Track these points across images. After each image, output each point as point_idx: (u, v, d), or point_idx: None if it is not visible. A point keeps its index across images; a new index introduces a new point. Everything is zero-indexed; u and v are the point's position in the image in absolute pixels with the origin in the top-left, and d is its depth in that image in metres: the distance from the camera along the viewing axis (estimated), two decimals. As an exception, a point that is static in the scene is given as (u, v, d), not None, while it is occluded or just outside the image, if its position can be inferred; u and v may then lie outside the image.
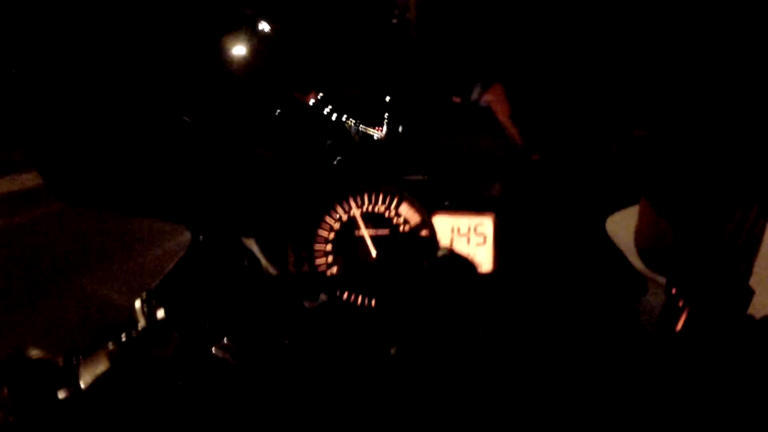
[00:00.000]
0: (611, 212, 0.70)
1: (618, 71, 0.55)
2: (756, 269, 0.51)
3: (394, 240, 0.72)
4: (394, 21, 0.64)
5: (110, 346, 0.50)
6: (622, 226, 0.66)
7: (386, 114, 0.85)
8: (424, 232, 0.73)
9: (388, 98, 0.81)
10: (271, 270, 0.71)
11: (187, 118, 0.62)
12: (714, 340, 0.53)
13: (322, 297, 0.66)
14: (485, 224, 0.74)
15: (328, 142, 0.85)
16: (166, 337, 0.56)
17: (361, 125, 0.95)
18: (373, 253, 0.72)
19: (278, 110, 0.76)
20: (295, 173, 0.74)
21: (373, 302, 0.71)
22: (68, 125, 0.54)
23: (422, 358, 0.66)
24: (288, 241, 0.71)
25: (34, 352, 0.45)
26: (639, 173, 0.57)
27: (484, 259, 0.74)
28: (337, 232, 0.72)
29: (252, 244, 0.71)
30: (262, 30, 0.67)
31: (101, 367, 0.49)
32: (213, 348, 0.54)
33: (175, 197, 0.66)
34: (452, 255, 0.73)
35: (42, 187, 0.54)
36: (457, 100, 0.69)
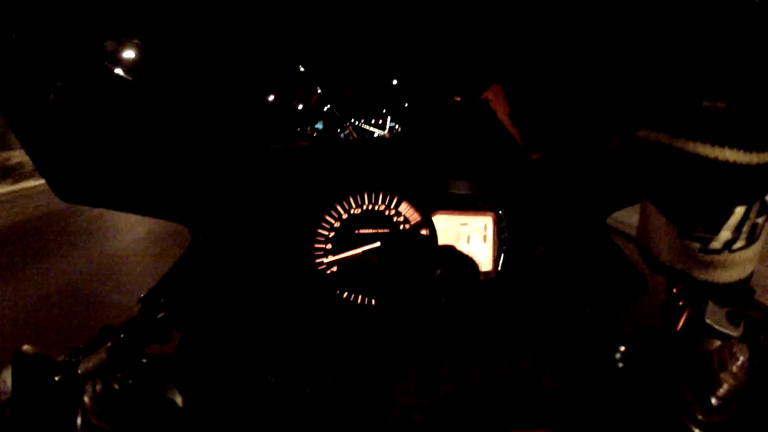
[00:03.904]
0: (611, 212, 0.70)
1: (618, 71, 0.54)
2: (757, 268, 0.51)
3: (394, 239, 0.72)
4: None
5: (110, 345, 0.50)
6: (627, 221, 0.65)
7: (388, 113, 0.85)
8: (424, 231, 0.73)
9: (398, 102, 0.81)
10: (272, 269, 0.71)
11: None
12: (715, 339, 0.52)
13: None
14: (485, 223, 0.74)
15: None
16: (166, 336, 0.56)
17: (362, 124, 0.95)
18: (373, 252, 0.72)
19: (277, 112, 0.76)
20: (295, 172, 0.74)
21: (373, 302, 0.71)
22: (69, 125, 0.54)
23: (422, 356, 0.66)
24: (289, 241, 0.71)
25: (35, 352, 0.45)
26: (639, 173, 0.57)
27: (483, 258, 0.74)
28: (337, 231, 0.72)
29: (252, 243, 0.71)
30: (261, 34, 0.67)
31: (101, 366, 0.49)
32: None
33: (175, 197, 0.66)
34: (453, 254, 0.73)
35: (43, 188, 0.54)
36: (457, 99, 0.69)
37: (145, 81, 0.62)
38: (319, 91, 0.76)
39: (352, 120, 0.93)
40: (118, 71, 0.58)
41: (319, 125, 0.93)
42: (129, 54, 0.58)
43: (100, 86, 0.58)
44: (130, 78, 0.60)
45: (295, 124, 0.82)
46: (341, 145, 0.95)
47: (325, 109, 0.85)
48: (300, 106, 0.79)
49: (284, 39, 0.66)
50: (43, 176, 0.55)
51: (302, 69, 0.70)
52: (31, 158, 0.55)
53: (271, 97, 0.72)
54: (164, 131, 0.65)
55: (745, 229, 0.50)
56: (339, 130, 0.93)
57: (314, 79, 0.72)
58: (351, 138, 0.96)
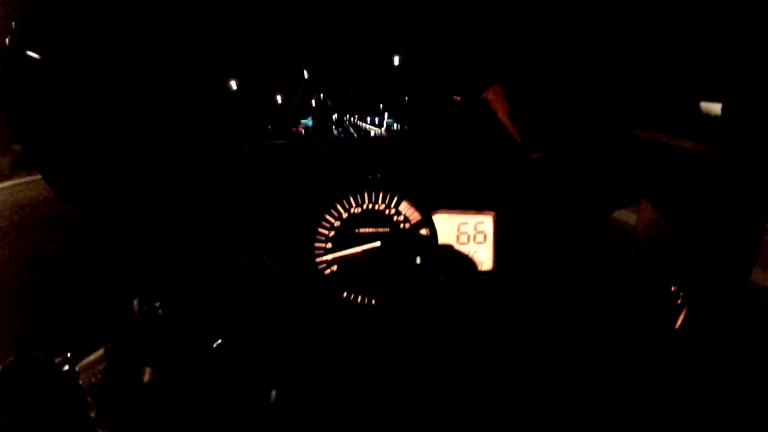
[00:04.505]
0: (611, 212, 0.71)
1: (618, 71, 0.55)
2: (756, 267, 0.52)
3: (394, 238, 0.72)
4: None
5: (110, 346, 0.49)
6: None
7: (386, 113, 0.85)
8: (424, 231, 0.73)
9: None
10: (272, 270, 0.71)
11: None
12: (713, 337, 0.53)
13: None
14: (485, 223, 0.74)
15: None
16: (166, 337, 0.55)
17: (357, 120, 0.94)
18: (374, 251, 0.72)
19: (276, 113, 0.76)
20: (295, 171, 0.73)
21: (373, 301, 0.71)
22: (70, 127, 0.53)
23: (422, 356, 0.66)
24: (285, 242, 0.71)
25: (35, 353, 0.44)
26: (639, 173, 0.58)
27: (484, 257, 0.75)
28: (337, 230, 0.71)
29: (252, 244, 0.71)
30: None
31: (101, 367, 0.48)
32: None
33: (175, 198, 0.65)
34: (452, 253, 0.73)
35: (43, 188, 0.53)
36: (457, 99, 0.70)
37: (140, 79, 0.61)
38: (306, 75, 0.74)
39: (349, 117, 0.92)
40: (120, 73, 0.57)
41: (309, 122, 0.91)
42: (133, 55, 0.57)
43: (101, 88, 0.57)
44: (131, 80, 0.59)
45: (278, 120, 0.80)
46: (340, 144, 0.94)
47: (314, 102, 0.83)
48: (279, 98, 0.77)
49: (279, 33, 0.65)
50: (42, 176, 0.54)
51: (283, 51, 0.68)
52: (30, 158, 0.53)
53: (239, 88, 0.70)
54: (160, 130, 0.64)
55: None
56: (333, 127, 0.92)
57: (299, 62, 0.71)
58: (346, 135, 0.95)
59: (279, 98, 0.73)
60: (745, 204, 0.49)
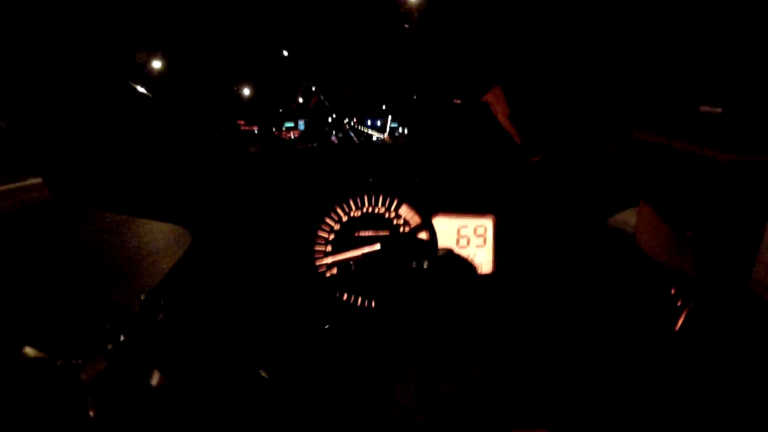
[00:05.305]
0: (611, 213, 0.71)
1: (618, 73, 0.55)
2: (756, 269, 0.51)
3: (394, 241, 0.72)
4: (406, 26, 0.63)
5: (110, 346, 0.50)
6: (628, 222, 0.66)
7: (389, 116, 0.85)
8: (423, 234, 0.73)
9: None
10: (271, 270, 0.71)
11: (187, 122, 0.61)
12: (714, 339, 0.53)
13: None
14: (485, 225, 0.74)
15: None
16: (166, 337, 0.56)
17: (356, 125, 0.94)
18: (373, 254, 0.72)
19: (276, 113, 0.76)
20: (295, 174, 0.74)
21: (373, 303, 0.71)
22: (70, 127, 0.54)
23: (422, 358, 0.66)
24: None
25: (34, 353, 0.44)
26: (638, 174, 0.58)
27: (484, 260, 0.75)
28: (337, 233, 0.72)
29: (252, 245, 0.71)
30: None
31: (101, 367, 0.49)
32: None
33: (176, 198, 0.65)
34: (452, 256, 0.73)
35: (43, 188, 0.54)
36: (457, 102, 0.70)
37: (146, 83, 0.62)
38: (291, 58, 0.74)
39: (348, 120, 0.91)
40: (119, 73, 0.58)
41: (302, 125, 0.90)
42: (133, 56, 0.58)
43: (100, 88, 0.58)
44: (130, 80, 0.60)
45: (259, 122, 0.80)
46: (340, 148, 0.94)
47: (301, 100, 0.83)
48: (246, 92, 0.76)
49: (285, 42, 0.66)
50: (41, 176, 0.55)
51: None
52: (29, 159, 0.54)
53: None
54: (163, 133, 0.65)
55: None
56: (333, 131, 0.91)
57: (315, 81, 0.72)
58: (346, 140, 0.95)
59: (247, 91, 0.72)
60: (745, 206, 0.49)
